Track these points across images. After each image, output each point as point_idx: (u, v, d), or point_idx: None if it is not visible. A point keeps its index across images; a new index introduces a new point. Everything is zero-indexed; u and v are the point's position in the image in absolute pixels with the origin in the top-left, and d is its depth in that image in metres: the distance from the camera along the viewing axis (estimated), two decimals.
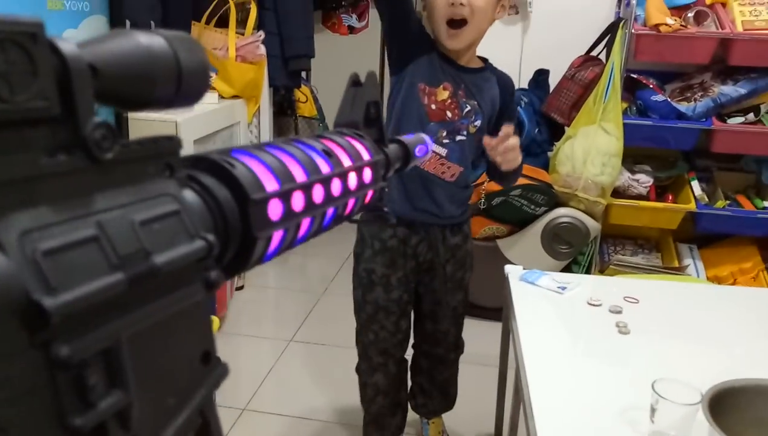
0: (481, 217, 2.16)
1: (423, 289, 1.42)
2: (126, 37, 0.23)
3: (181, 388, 0.25)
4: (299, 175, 0.32)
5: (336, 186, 0.35)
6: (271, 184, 0.30)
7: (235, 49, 2.31)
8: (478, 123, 1.28)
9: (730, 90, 2.09)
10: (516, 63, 2.47)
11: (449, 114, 1.26)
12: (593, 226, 2.13)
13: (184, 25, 2.22)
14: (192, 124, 2.00)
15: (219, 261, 0.28)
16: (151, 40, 0.24)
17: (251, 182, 0.29)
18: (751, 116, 2.12)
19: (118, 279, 0.21)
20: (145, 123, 1.87)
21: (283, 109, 2.92)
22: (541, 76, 2.36)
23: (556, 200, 2.13)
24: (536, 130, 2.25)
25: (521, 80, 2.43)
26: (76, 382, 0.19)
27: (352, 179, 0.37)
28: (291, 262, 2.87)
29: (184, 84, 0.25)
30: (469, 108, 1.27)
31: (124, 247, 0.22)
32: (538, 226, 2.15)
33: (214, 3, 2.36)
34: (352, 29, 3.49)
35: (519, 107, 2.25)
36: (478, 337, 1.89)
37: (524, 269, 1.35)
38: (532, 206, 2.12)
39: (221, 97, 2.29)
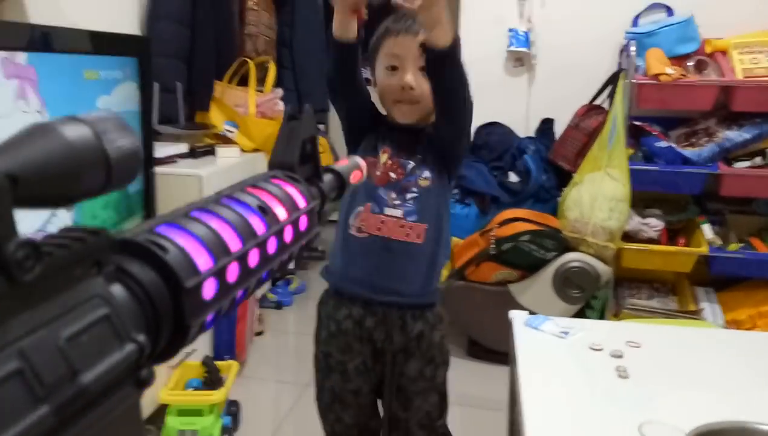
0: (492, 262, 2.20)
1: (389, 380, 1.28)
2: (47, 134, 0.22)
3: None
4: (234, 243, 0.30)
5: (271, 244, 0.33)
6: (204, 261, 0.28)
7: (256, 105, 2.45)
8: (427, 174, 1.23)
9: (735, 135, 2.13)
10: (523, 113, 2.56)
11: (393, 175, 1.23)
12: (604, 270, 2.15)
13: (207, 84, 2.38)
14: (215, 178, 2.12)
15: (151, 354, 0.26)
16: (74, 132, 0.22)
17: (184, 266, 0.27)
18: (758, 160, 2.16)
19: (44, 413, 0.19)
20: (171, 178, 1.99)
21: None
22: (546, 124, 2.44)
23: (565, 245, 2.17)
24: (544, 177, 2.31)
25: (528, 129, 2.52)
26: None
27: (288, 233, 0.35)
28: (310, 307, 2.92)
29: (114, 171, 0.24)
30: (412, 164, 1.23)
31: (51, 373, 0.20)
32: (549, 270, 2.18)
33: (236, 63, 2.52)
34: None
35: (526, 155, 2.33)
36: (490, 381, 1.90)
37: (530, 313, 1.39)
38: (542, 251, 2.16)
39: (242, 151, 2.42)
